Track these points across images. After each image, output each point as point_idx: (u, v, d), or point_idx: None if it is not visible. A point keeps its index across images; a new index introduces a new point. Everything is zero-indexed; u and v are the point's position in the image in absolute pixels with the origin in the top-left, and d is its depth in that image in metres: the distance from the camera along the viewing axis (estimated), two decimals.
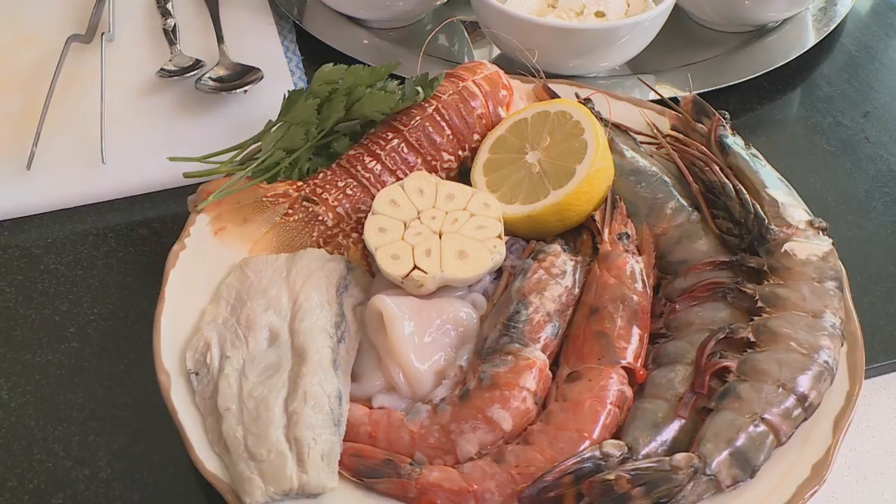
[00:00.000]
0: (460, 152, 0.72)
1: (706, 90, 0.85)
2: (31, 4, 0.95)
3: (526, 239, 0.69)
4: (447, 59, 0.90)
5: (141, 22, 0.93)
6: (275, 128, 0.74)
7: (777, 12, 0.91)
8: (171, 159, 0.72)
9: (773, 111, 0.88)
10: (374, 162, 0.70)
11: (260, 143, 0.73)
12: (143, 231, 0.76)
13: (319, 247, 0.69)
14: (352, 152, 0.72)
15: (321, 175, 0.71)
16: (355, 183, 0.70)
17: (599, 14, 0.86)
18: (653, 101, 0.79)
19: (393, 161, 0.71)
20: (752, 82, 0.88)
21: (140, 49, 0.90)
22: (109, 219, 0.77)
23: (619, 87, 0.87)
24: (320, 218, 0.69)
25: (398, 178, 0.70)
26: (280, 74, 0.87)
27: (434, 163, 0.72)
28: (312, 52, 0.91)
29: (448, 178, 0.73)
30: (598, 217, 0.68)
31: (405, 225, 0.66)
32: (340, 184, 0.70)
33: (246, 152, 0.73)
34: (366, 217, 0.67)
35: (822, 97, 0.90)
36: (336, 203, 0.69)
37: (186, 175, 0.72)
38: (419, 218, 0.66)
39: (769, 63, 0.89)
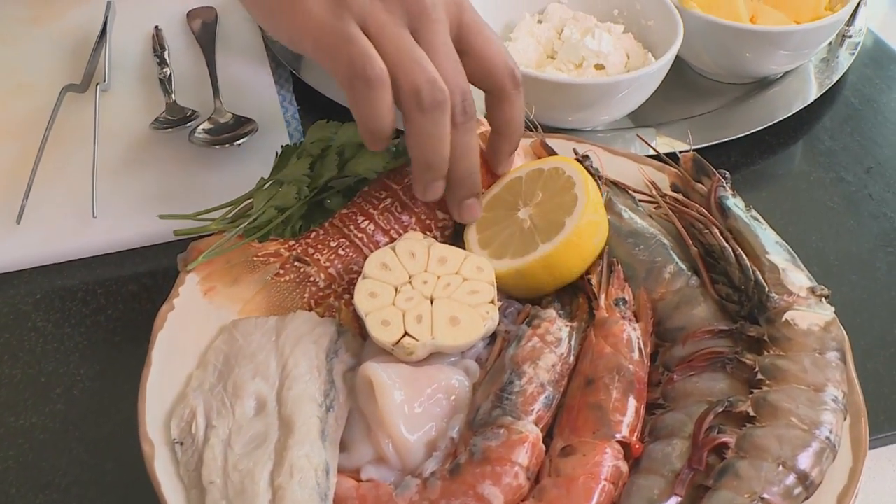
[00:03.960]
0: None
1: (707, 144, 0.84)
2: (28, 50, 0.95)
3: (520, 300, 0.68)
4: None
5: (137, 71, 0.92)
6: (267, 185, 0.73)
7: (779, 66, 0.90)
8: (162, 217, 0.71)
9: (774, 165, 0.87)
10: (367, 221, 0.69)
11: (252, 200, 0.73)
12: (132, 287, 0.75)
13: (311, 308, 0.68)
14: (345, 211, 0.71)
15: (313, 234, 0.70)
16: (348, 243, 0.69)
17: (599, 67, 0.85)
18: (652, 156, 0.78)
19: (386, 220, 0.70)
20: (754, 135, 0.87)
21: (135, 99, 0.89)
22: (99, 273, 0.76)
23: (620, 140, 0.86)
24: (312, 279, 0.68)
25: (392, 238, 0.69)
26: (276, 125, 0.86)
27: (428, 221, 0.70)
28: (309, 101, 0.91)
29: (444, 236, 0.71)
30: (594, 281, 0.66)
31: (396, 290, 0.64)
32: (333, 244, 0.69)
33: (238, 209, 0.72)
34: (357, 278, 0.66)
35: (824, 151, 0.88)
36: (328, 264, 0.68)
37: (177, 233, 0.71)
38: (410, 282, 0.65)
39: (771, 116, 0.88)
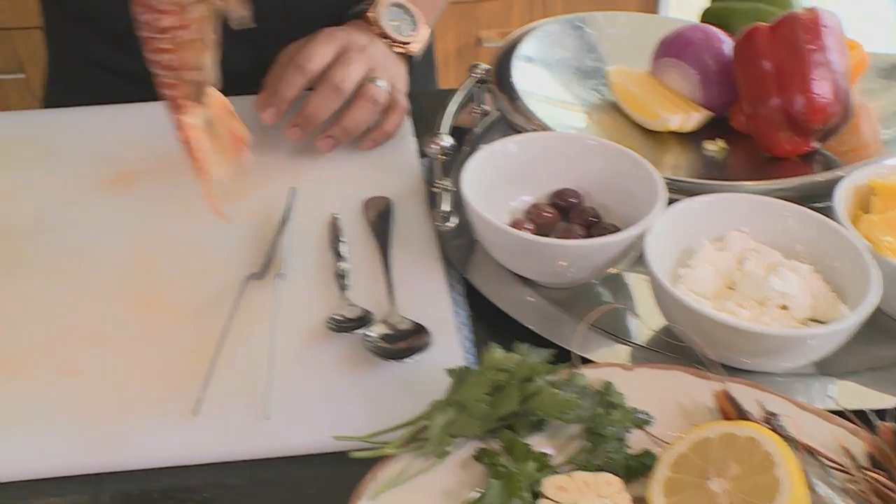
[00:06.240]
0: None
1: None
2: (215, 229, 0.98)
3: None
4: (610, 332, 0.87)
5: (314, 260, 0.94)
6: (442, 409, 0.72)
7: None
8: (337, 438, 0.72)
9: None
10: None
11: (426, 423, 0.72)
12: (296, 500, 0.75)
13: None
14: None
15: None
16: None
17: (783, 307, 0.83)
18: (835, 412, 0.75)
19: None
20: None
21: (311, 290, 0.91)
22: (265, 477, 0.76)
23: (799, 384, 0.82)
24: None
25: None
26: (448, 331, 0.86)
27: None
28: (479, 307, 0.91)
29: None
30: None
31: None
32: None
33: (412, 430, 0.72)
34: None
35: None
36: None
37: (352, 456, 0.70)
38: None
39: None
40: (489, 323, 0.90)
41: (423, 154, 1.09)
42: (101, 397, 0.80)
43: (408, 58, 1.13)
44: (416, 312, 0.87)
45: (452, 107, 1.07)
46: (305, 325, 0.87)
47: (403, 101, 1.09)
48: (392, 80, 1.07)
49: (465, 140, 1.10)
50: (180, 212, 1.00)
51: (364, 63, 1.04)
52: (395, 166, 1.07)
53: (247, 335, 0.85)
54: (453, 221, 0.99)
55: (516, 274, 0.93)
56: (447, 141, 1.00)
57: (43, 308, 0.89)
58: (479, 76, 1.11)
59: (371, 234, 0.97)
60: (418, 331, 0.84)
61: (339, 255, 0.93)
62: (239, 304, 0.87)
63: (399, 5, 1.11)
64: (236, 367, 0.82)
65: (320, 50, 1.03)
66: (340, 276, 0.91)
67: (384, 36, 1.09)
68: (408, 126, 1.13)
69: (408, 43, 1.11)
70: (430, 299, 0.90)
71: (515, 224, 0.93)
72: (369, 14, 1.10)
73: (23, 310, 0.88)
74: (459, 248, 0.96)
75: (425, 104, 1.17)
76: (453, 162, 1.02)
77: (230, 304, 0.87)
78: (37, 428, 0.77)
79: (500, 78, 1.08)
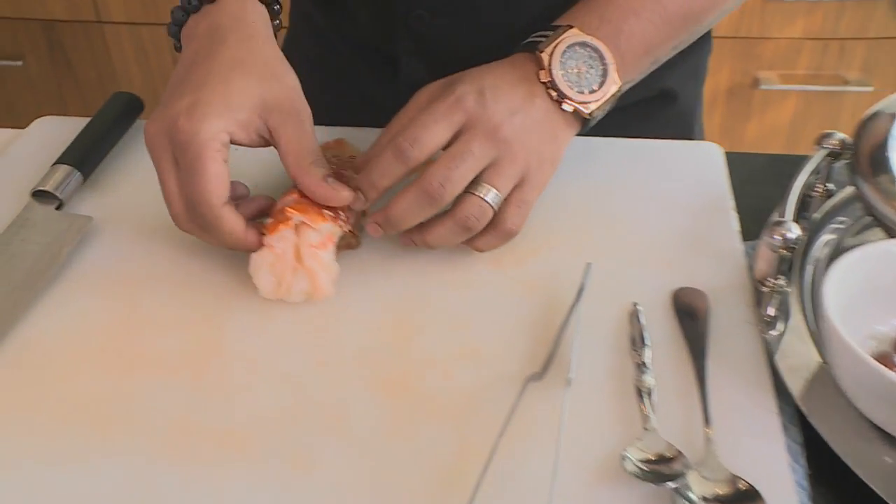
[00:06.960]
0: None
1: None
2: (486, 299, 0.81)
3: None
4: None
5: (609, 363, 0.74)
6: None
7: None
8: None
9: None
10: None
11: None
12: None
13: None
14: None
15: None
16: None
17: None
18: None
19: None
20: None
21: (604, 406, 0.71)
22: None
23: None
24: None
25: None
26: (783, 497, 0.64)
27: None
28: (813, 452, 0.68)
29: None
30: None
31: None
32: None
33: None
34: None
35: None
36: None
37: None
38: None
39: None
40: (829, 482, 0.67)
41: (745, 236, 0.87)
42: None
43: (582, 119, 0.83)
44: (740, 461, 0.65)
45: (798, 184, 0.84)
46: (595, 453, 0.67)
47: (513, 223, 0.80)
48: (528, 171, 0.79)
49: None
50: (447, 275, 0.83)
51: (483, 157, 0.76)
52: (713, 249, 0.85)
53: (522, 457, 0.67)
54: (778, 329, 0.76)
55: (872, 422, 0.69)
56: (794, 232, 0.77)
57: (276, 374, 0.73)
58: (831, 148, 0.87)
59: (681, 338, 0.76)
60: (746, 496, 0.62)
61: (642, 365, 0.73)
62: (514, 411, 0.68)
63: (588, 46, 0.80)
64: (504, 497, 0.64)
65: (433, 130, 0.75)
66: (644, 394, 0.70)
67: (553, 87, 0.80)
68: (729, 200, 0.91)
69: (585, 102, 0.81)
70: (758, 444, 0.68)
71: (881, 357, 0.69)
72: (543, 53, 0.79)
73: (253, 375, 0.73)
74: (797, 373, 0.73)
75: (746, 167, 0.95)
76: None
77: (502, 408, 0.69)
78: None
79: (867, 154, 0.84)
